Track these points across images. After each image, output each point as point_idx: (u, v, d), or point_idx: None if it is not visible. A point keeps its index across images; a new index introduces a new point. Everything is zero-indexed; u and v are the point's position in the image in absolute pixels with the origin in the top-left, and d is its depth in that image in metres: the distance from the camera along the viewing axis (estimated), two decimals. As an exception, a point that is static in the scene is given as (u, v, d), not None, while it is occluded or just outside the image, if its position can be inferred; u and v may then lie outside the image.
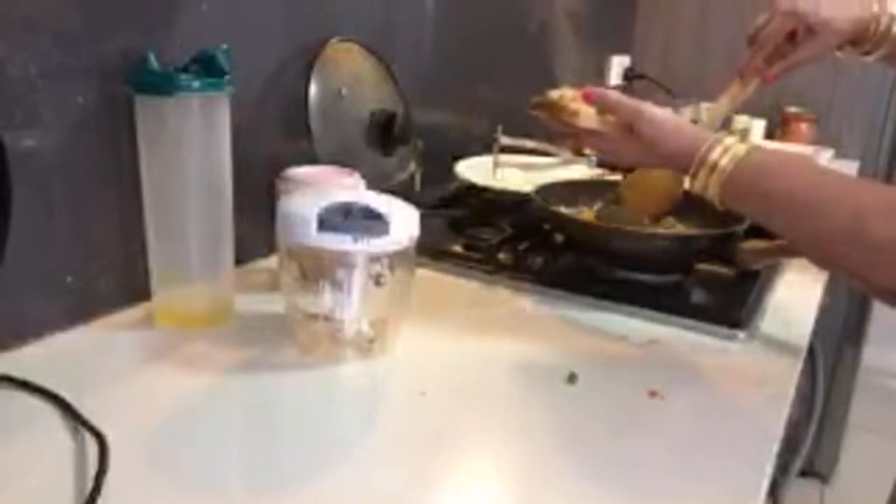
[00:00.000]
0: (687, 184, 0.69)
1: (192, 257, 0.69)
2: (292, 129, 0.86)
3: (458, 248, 0.93)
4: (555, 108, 0.74)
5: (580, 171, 1.23)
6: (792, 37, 0.85)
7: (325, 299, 0.64)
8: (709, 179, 0.66)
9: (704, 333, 0.74)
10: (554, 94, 0.75)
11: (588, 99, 0.73)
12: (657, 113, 0.70)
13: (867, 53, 0.87)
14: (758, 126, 1.80)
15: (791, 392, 0.64)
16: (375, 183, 0.77)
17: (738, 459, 0.54)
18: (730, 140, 0.66)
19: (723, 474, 0.53)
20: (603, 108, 0.73)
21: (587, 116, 0.73)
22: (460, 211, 1.08)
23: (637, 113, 0.71)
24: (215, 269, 0.71)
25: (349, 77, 0.93)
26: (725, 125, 1.42)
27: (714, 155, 0.65)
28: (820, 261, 0.63)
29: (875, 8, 0.83)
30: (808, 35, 0.84)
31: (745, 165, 0.64)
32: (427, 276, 0.87)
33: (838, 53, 0.87)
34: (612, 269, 0.86)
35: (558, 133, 0.78)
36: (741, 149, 0.65)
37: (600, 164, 1.23)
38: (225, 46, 0.67)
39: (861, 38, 0.84)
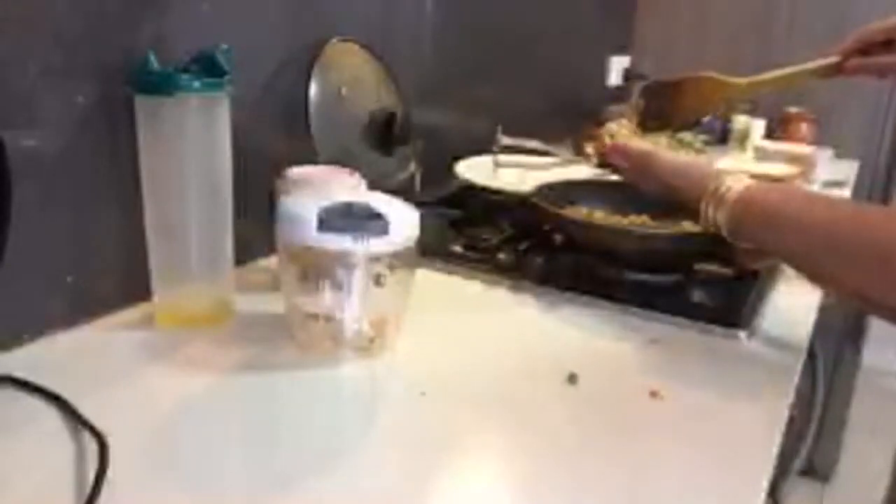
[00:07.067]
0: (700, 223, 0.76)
1: (192, 257, 0.69)
2: (292, 129, 0.86)
3: (458, 248, 0.93)
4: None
5: (580, 171, 1.23)
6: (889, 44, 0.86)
7: (325, 299, 0.64)
8: (717, 214, 0.72)
9: (704, 333, 0.74)
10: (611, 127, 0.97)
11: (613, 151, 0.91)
12: (665, 157, 0.83)
13: None
14: (758, 126, 1.79)
15: (791, 392, 0.64)
16: (375, 183, 0.77)
17: (738, 459, 0.54)
18: (731, 178, 0.72)
19: (723, 474, 0.53)
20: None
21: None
22: (460, 211, 1.08)
23: (647, 156, 0.84)
24: (215, 269, 0.71)
25: (349, 77, 0.93)
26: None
27: (721, 190, 0.72)
28: (811, 276, 0.68)
29: None
30: None
31: (743, 201, 0.70)
32: (427, 276, 0.87)
33: None
34: (612, 269, 0.86)
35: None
36: (737, 188, 0.71)
37: (600, 165, 1.23)
38: (225, 46, 0.67)
39: None
